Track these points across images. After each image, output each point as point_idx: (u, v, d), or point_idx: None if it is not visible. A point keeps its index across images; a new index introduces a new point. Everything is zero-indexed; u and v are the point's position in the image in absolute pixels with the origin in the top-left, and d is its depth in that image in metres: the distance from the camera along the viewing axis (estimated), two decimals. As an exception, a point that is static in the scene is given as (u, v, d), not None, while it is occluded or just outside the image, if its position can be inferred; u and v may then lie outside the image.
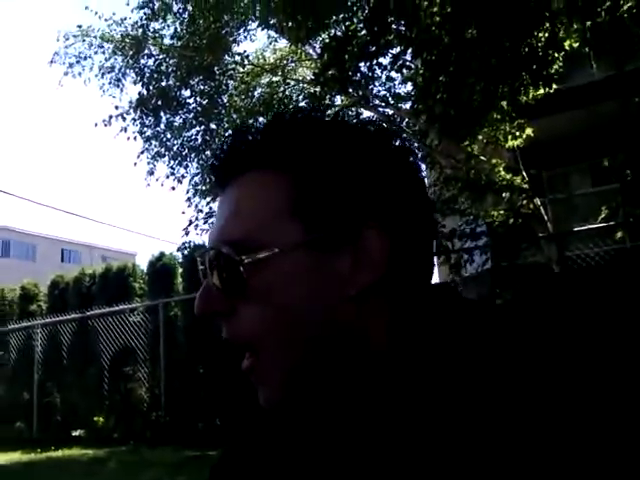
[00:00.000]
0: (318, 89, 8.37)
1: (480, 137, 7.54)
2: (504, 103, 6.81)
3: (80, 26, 10.89)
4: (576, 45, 6.54)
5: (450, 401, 0.55)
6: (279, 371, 0.62)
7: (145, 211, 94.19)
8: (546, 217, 8.06)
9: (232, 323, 0.63)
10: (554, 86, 6.62)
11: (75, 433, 10.56)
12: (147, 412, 9.88)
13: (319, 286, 0.60)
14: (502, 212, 7.95)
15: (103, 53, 10.88)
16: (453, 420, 0.54)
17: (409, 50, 7.38)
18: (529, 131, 7.57)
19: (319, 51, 8.19)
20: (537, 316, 0.61)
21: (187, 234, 10.45)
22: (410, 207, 0.64)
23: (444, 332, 0.60)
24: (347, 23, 7.15)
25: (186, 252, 10.35)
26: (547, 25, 6.24)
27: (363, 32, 7.01)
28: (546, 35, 6.36)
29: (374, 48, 7.26)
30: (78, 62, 10.92)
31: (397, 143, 0.67)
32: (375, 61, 7.57)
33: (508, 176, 7.96)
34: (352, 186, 0.61)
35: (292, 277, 0.60)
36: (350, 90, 8.26)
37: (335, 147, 0.63)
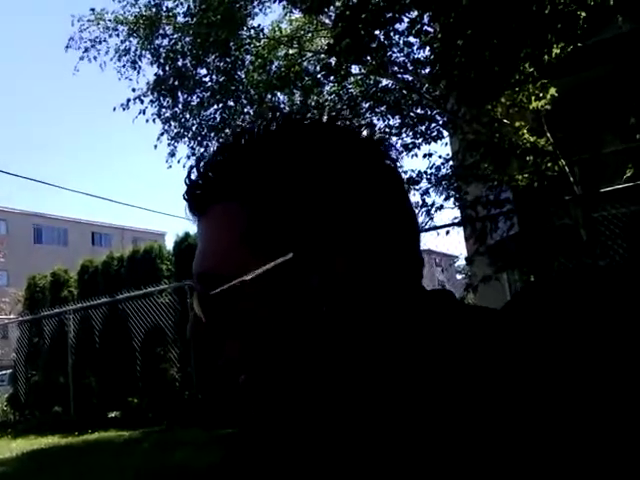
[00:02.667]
0: (333, 60, 8.18)
1: (503, 100, 7.30)
2: (526, 65, 6.58)
3: (93, 9, 10.82)
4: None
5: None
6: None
7: (173, 189, 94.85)
8: (573, 179, 7.81)
9: (223, 351, 0.63)
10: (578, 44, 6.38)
11: (111, 414, 10.76)
12: (179, 391, 10.00)
13: (288, 307, 0.58)
14: (526, 176, 7.74)
15: (117, 36, 10.81)
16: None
17: (426, 14, 7.16)
18: (553, 91, 7.30)
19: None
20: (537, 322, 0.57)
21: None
22: (385, 221, 0.60)
23: (435, 335, 0.57)
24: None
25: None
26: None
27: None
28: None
29: (389, 14, 7.06)
30: (93, 46, 10.88)
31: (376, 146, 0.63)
32: (391, 28, 7.38)
33: (532, 139, 7.72)
34: (314, 211, 0.57)
35: (261, 304, 0.58)
36: (368, 58, 8.07)
37: (299, 169, 0.58)
